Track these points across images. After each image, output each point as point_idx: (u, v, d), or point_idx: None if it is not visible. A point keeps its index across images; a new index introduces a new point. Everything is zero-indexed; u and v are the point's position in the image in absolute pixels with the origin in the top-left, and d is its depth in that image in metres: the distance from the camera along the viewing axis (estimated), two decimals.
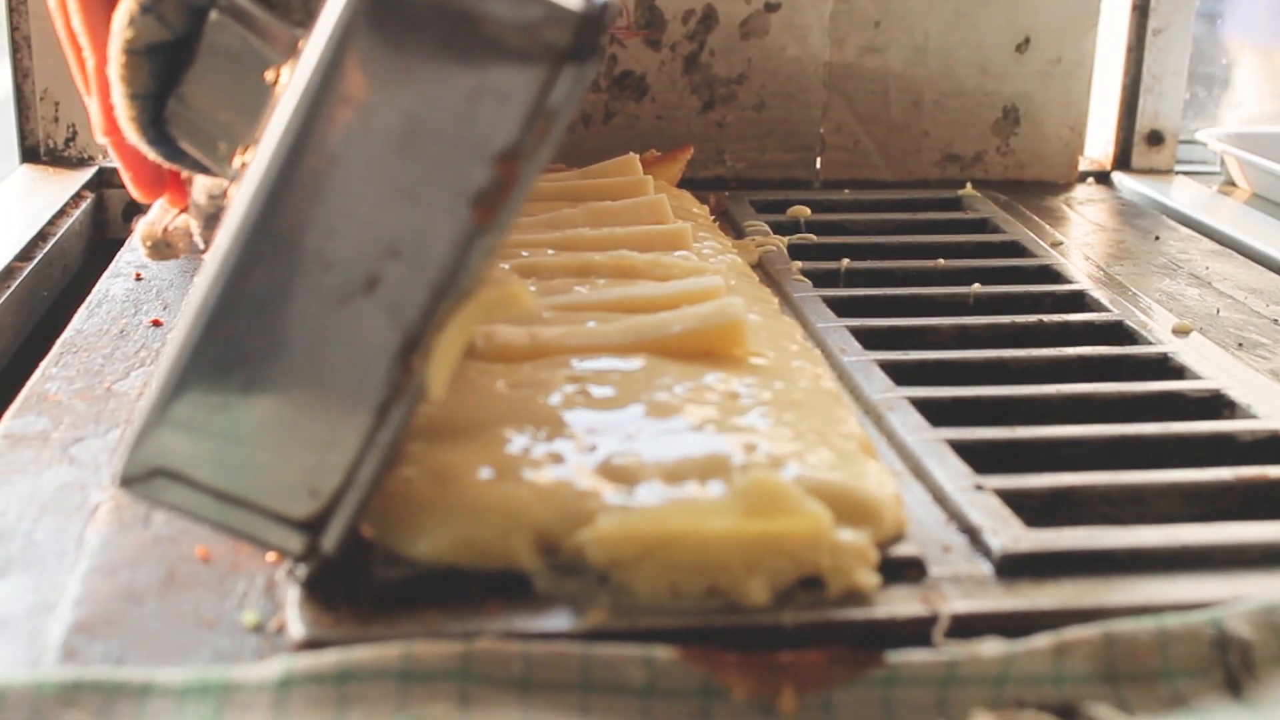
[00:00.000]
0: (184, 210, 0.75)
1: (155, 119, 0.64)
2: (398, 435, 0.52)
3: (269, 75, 0.59)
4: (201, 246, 0.70)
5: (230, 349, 0.50)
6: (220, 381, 0.50)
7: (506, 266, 0.77)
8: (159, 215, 0.72)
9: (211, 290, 0.50)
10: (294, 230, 0.49)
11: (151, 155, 0.66)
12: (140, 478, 0.51)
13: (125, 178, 0.71)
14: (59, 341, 0.80)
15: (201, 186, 0.69)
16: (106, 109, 0.66)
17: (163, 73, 0.64)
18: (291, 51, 0.59)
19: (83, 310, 0.84)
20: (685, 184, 1.04)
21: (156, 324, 0.82)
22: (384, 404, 0.51)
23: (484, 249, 0.50)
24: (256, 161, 0.49)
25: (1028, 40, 1.18)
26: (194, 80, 0.63)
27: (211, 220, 0.68)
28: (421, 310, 0.50)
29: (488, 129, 0.48)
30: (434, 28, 0.47)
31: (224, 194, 0.67)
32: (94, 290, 0.88)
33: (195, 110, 0.63)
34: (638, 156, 0.96)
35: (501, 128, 0.48)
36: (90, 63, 0.67)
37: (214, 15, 0.62)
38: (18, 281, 0.90)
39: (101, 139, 0.69)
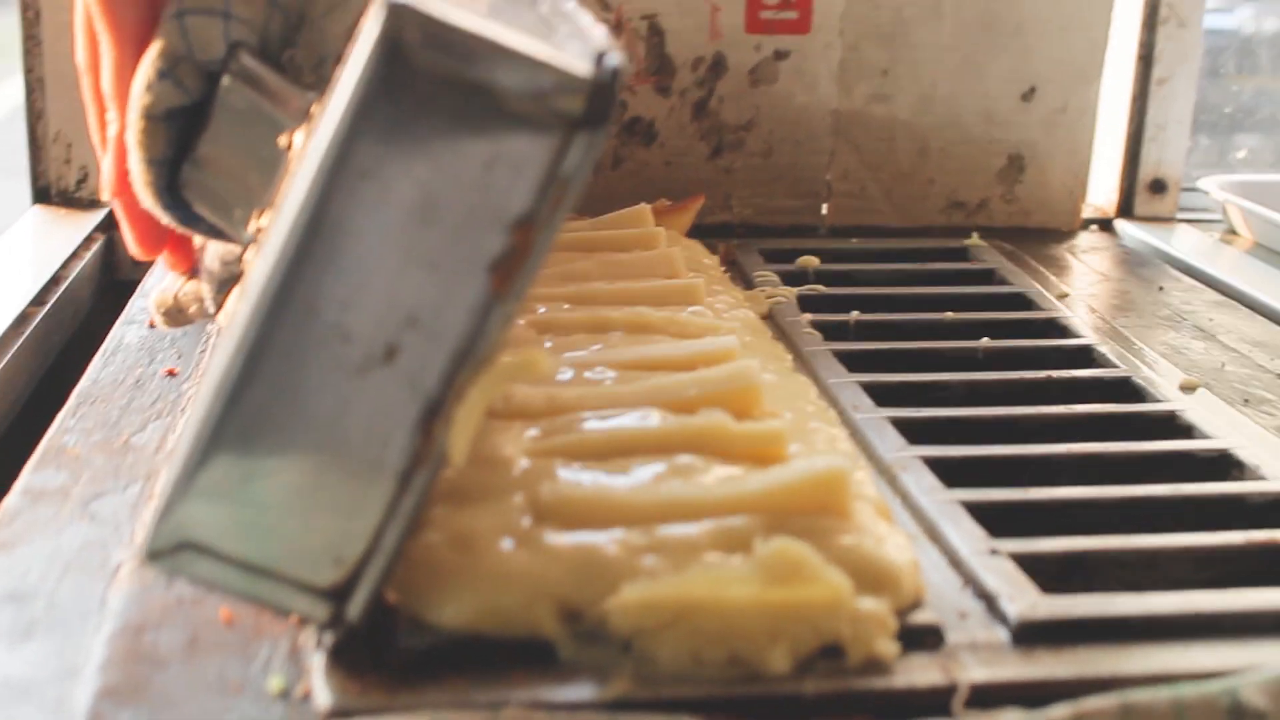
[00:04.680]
0: (184, 272, 0.75)
1: (171, 184, 0.65)
2: (421, 502, 0.52)
3: (282, 140, 0.60)
4: (213, 311, 0.70)
5: (253, 421, 0.50)
6: (244, 453, 0.51)
7: (522, 322, 0.77)
8: (171, 282, 0.73)
9: (233, 363, 0.50)
10: (313, 303, 0.49)
11: (165, 220, 0.66)
12: (167, 552, 0.52)
13: (128, 236, 0.70)
14: (75, 392, 0.80)
15: (214, 252, 0.69)
16: (120, 170, 0.67)
17: (179, 138, 0.64)
18: (304, 115, 0.60)
19: (98, 359, 0.85)
20: (693, 229, 1.04)
21: (171, 374, 0.83)
22: (406, 472, 0.51)
23: (502, 316, 0.50)
24: (274, 234, 0.50)
25: (1033, 89, 1.19)
26: (208, 145, 0.63)
27: (224, 285, 0.69)
28: (441, 379, 0.50)
29: (502, 198, 0.49)
30: (447, 99, 0.48)
31: (237, 259, 0.67)
32: (108, 338, 0.88)
33: (210, 175, 0.64)
34: (649, 207, 0.96)
35: (516, 196, 0.49)
36: (113, 127, 0.67)
37: (227, 80, 0.63)
38: (32, 327, 0.91)
39: (110, 198, 0.69)
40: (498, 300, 0.50)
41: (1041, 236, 1.21)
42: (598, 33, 0.51)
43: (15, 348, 0.88)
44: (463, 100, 0.48)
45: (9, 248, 1.06)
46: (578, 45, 0.50)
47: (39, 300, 0.95)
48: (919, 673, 0.55)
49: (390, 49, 0.47)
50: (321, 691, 0.53)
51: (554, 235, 0.50)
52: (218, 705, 0.53)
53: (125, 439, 0.74)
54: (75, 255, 1.04)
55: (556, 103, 0.48)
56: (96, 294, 1.06)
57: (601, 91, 0.48)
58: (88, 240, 1.07)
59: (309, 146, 0.50)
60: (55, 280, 0.99)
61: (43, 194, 1.14)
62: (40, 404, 0.86)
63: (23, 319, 0.91)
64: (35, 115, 1.12)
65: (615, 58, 0.48)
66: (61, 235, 1.07)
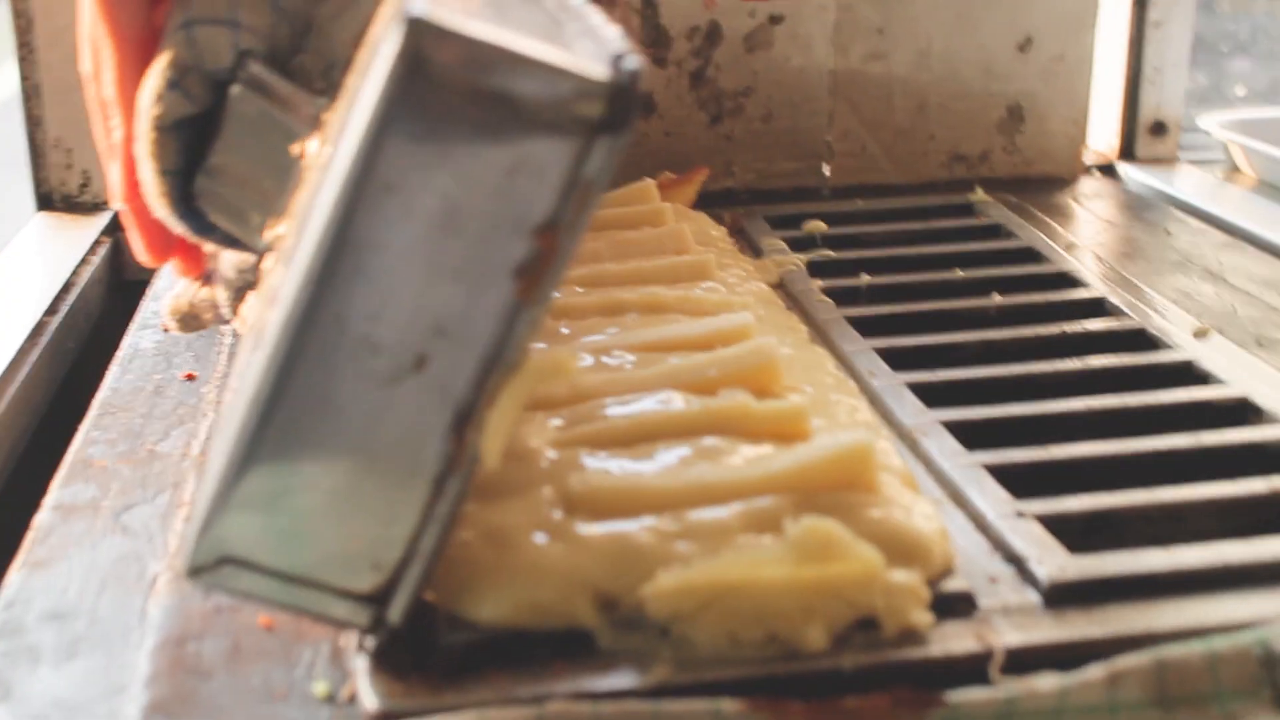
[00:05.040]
0: (197, 277, 0.75)
1: (184, 194, 0.65)
2: (456, 506, 0.53)
3: (295, 147, 0.60)
4: (228, 318, 0.70)
5: (287, 434, 0.51)
6: (280, 466, 0.51)
7: None
8: (184, 289, 0.73)
9: (265, 379, 0.50)
10: (342, 317, 0.49)
11: (179, 230, 0.66)
12: (208, 567, 0.52)
13: (136, 243, 0.71)
14: (96, 402, 0.80)
15: (229, 260, 0.70)
16: (129, 177, 0.67)
17: (189, 148, 0.64)
18: (315, 122, 0.60)
19: (115, 367, 0.85)
20: (696, 198, 1.05)
21: (190, 378, 0.83)
22: (440, 477, 0.52)
23: (529, 321, 0.50)
24: (298, 248, 0.50)
25: (1030, 39, 1.19)
26: (221, 154, 0.64)
27: (240, 293, 0.69)
28: (471, 385, 0.51)
29: (525, 203, 0.49)
30: (467, 110, 0.48)
31: (252, 267, 0.68)
32: (123, 345, 0.89)
33: (224, 184, 0.64)
34: (653, 182, 0.96)
35: (539, 201, 0.49)
36: (118, 133, 0.67)
37: (236, 88, 0.63)
38: (48, 337, 0.92)
39: (120, 205, 0.70)
40: (524, 305, 0.50)
41: (1044, 185, 1.21)
42: (611, 32, 0.51)
43: (34, 358, 0.88)
44: (483, 110, 0.48)
45: (17, 256, 1.06)
46: (590, 45, 0.50)
47: (52, 309, 0.95)
48: (954, 641, 0.56)
49: (410, 64, 0.47)
50: (368, 694, 0.53)
51: (579, 239, 0.50)
52: (265, 712, 0.54)
53: (150, 448, 0.75)
54: (84, 261, 1.04)
55: (576, 108, 0.48)
56: (107, 297, 1.06)
57: (621, 95, 0.48)
58: (95, 245, 1.07)
59: (328, 158, 0.50)
60: (67, 287, 0.99)
61: (46, 200, 1.14)
62: (59, 416, 0.87)
63: (38, 329, 0.92)
64: (34, 122, 1.12)
65: (633, 60, 0.48)
66: (68, 241, 1.07)
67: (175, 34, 0.63)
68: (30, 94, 1.12)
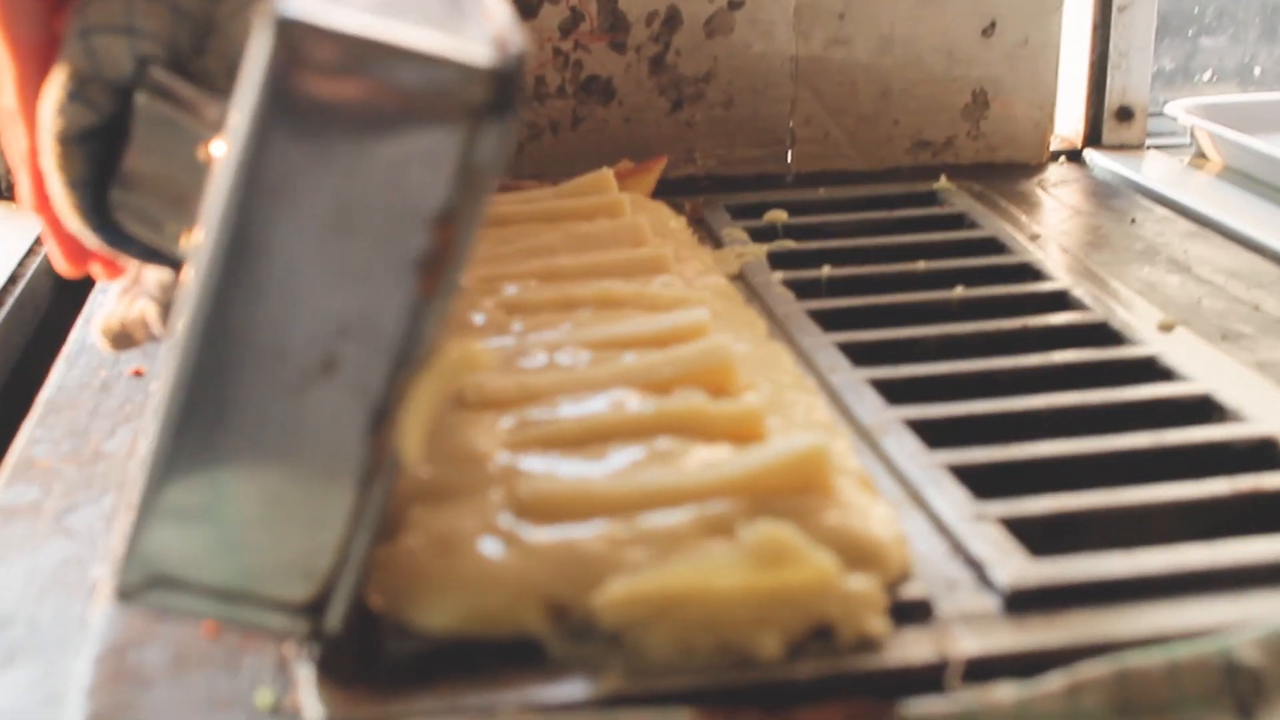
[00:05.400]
0: (118, 276, 0.73)
1: (97, 205, 0.63)
2: (384, 508, 0.52)
3: (201, 151, 0.58)
4: (160, 335, 0.69)
5: (202, 447, 0.50)
6: (198, 478, 0.50)
7: (491, 303, 0.77)
8: (114, 307, 0.71)
9: (173, 394, 0.49)
10: (243, 327, 0.48)
11: (92, 243, 0.64)
12: (138, 588, 0.51)
13: (53, 252, 0.68)
14: (41, 399, 0.79)
15: (152, 279, 0.68)
16: (37, 186, 0.65)
17: (98, 158, 0.62)
18: (220, 124, 0.58)
19: (61, 363, 0.84)
20: (658, 185, 1.04)
21: (138, 374, 0.82)
22: (363, 480, 0.51)
23: (434, 315, 0.49)
24: (194, 261, 0.49)
25: (993, 24, 1.18)
26: (131, 162, 0.62)
27: (168, 308, 0.67)
28: (384, 384, 0.50)
29: (418, 196, 0.48)
30: (348, 106, 0.47)
31: (174, 282, 0.66)
32: (70, 340, 0.87)
33: (137, 193, 0.62)
34: (611, 171, 0.95)
35: (432, 193, 0.48)
36: (23, 144, 0.65)
37: (140, 96, 0.61)
38: None
39: (32, 214, 0.67)
40: (428, 299, 0.49)
41: (1010, 171, 1.20)
42: (500, 12, 0.50)
43: None
44: (363, 104, 0.47)
45: None
46: (479, 28, 0.49)
47: None
48: (911, 648, 0.55)
49: (280, 65, 0.46)
50: (311, 704, 0.52)
51: (478, 227, 0.49)
52: None
53: (95, 446, 0.73)
54: (31, 251, 1.02)
55: (460, 95, 0.47)
56: (54, 290, 1.04)
57: (505, 79, 0.47)
58: (41, 236, 1.05)
59: (221, 162, 0.49)
60: (13, 279, 0.97)
61: None
62: (6, 408, 0.85)
63: None
64: None
65: (517, 41, 0.47)
66: (13, 232, 1.05)
67: (72, 44, 0.61)
68: None
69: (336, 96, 0.47)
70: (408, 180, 0.48)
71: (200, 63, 0.61)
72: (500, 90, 0.47)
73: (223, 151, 0.49)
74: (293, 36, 0.46)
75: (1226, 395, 0.74)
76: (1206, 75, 1.52)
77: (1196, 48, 1.53)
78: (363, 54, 0.46)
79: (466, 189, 0.48)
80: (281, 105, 0.47)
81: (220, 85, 0.60)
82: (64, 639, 0.58)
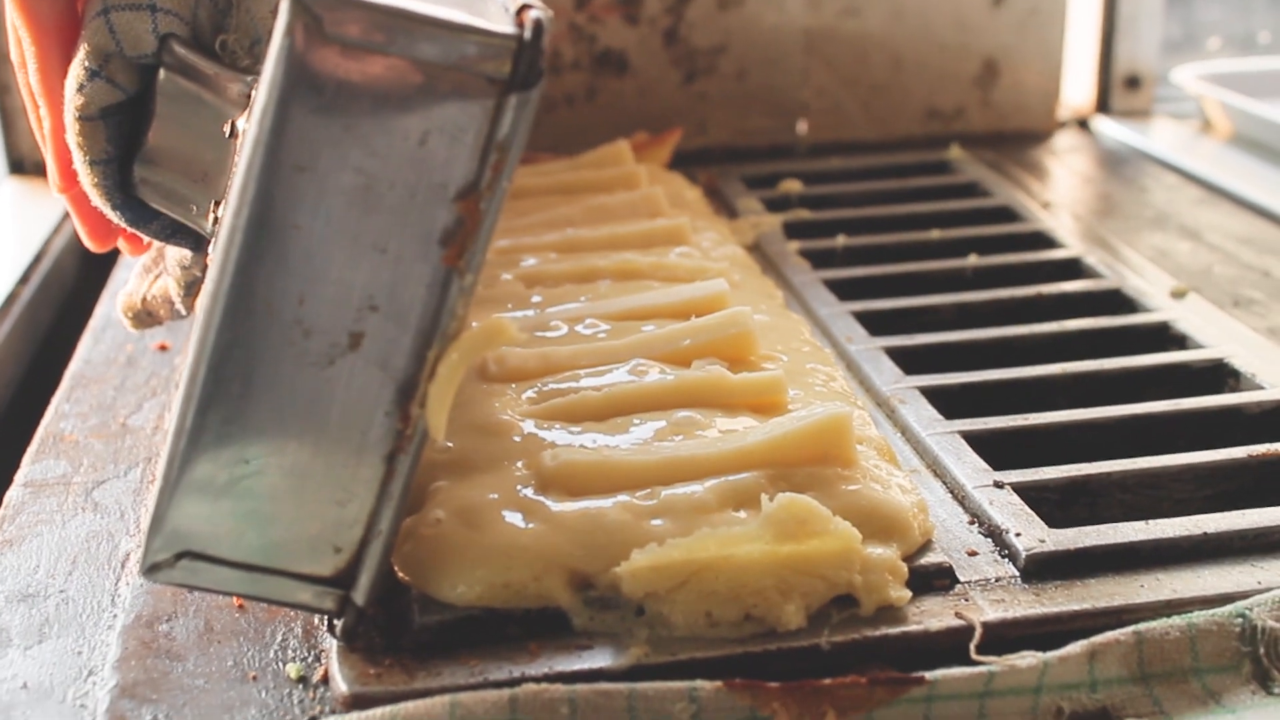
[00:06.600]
0: (144, 250, 0.73)
1: (121, 183, 0.63)
2: (409, 481, 0.52)
3: (225, 127, 0.59)
4: (185, 313, 0.69)
5: (229, 422, 0.50)
6: (225, 454, 0.50)
7: (510, 276, 0.77)
8: (136, 285, 0.72)
9: (197, 370, 0.49)
10: (269, 303, 0.49)
11: (116, 220, 0.64)
12: (166, 564, 0.51)
13: (79, 229, 0.69)
14: (68, 374, 0.80)
15: (173, 257, 0.69)
16: (62, 165, 0.65)
17: (121, 136, 0.62)
18: (244, 100, 0.59)
19: (87, 338, 0.84)
20: (672, 156, 1.04)
21: (163, 348, 0.82)
22: (390, 454, 0.51)
23: (460, 289, 0.50)
24: (219, 238, 0.49)
25: None
26: (155, 139, 0.62)
27: (191, 287, 0.68)
28: (410, 358, 0.50)
29: (443, 171, 0.48)
30: (370, 80, 0.47)
31: (195, 261, 0.66)
32: (96, 315, 0.88)
33: (161, 170, 0.62)
34: (627, 144, 0.96)
35: (456, 167, 0.48)
36: (47, 124, 0.66)
37: (163, 73, 0.62)
38: (21, 307, 0.90)
39: (58, 194, 0.68)
40: (453, 273, 0.49)
41: (1020, 140, 1.20)
42: None
43: (8, 330, 0.87)
44: (386, 78, 0.47)
45: None
46: (498, 3, 0.49)
47: (25, 278, 0.94)
48: (932, 617, 0.55)
49: (301, 39, 0.46)
50: (339, 678, 0.53)
51: (502, 201, 0.49)
52: (237, 695, 0.53)
53: (122, 421, 0.74)
54: (57, 229, 1.02)
55: (483, 67, 0.47)
56: (80, 266, 1.05)
57: (528, 50, 0.47)
58: (68, 212, 1.06)
59: (244, 139, 0.49)
60: (39, 256, 0.98)
61: (17, 166, 1.13)
62: (34, 387, 0.86)
63: (11, 299, 0.91)
64: (2, 88, 1.10)
65: (537, 12, 0.48)
66: (40, 207, 1.06)
67: (93, 21, 0.61)
68: None
69: (359, 69, 0.47)
70: (431, 155, 0.48)
71: (222, 39, 0.61)
72: (525, 61, 0.47)
73: (245, 127, 0.49)
74: (315, 7, 0.46)
75: (1240, 361, 0.74)
76: (1212, 42, 1.52)
77: (1202, 15, 1.53)
78: (386, 25, 0.46)
79: (490, 163, 0.48)
80: (304, 78, 0.47)
81: (242, 62, 0.60)
82: (95, 612, 0.59)
